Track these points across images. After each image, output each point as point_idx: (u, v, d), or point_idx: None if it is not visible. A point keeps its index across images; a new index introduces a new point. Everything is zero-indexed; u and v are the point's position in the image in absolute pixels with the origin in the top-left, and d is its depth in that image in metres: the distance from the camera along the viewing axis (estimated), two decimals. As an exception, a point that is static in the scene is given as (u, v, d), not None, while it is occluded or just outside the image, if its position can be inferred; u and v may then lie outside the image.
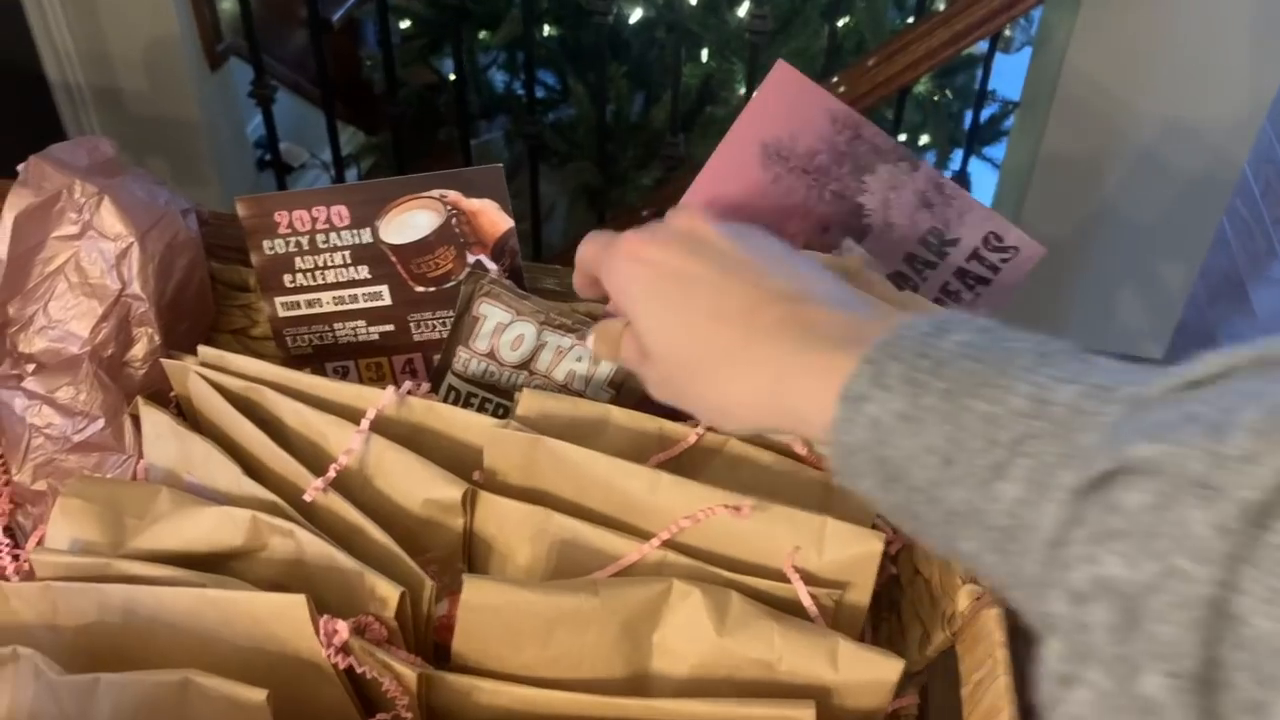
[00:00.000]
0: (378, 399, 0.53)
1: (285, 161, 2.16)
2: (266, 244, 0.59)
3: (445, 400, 0.58)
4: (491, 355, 0.57)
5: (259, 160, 2.32)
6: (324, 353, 0.63)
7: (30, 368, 0.55)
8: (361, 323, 0.62)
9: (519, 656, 0.46)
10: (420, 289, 0.61)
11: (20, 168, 0.58)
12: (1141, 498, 0.28)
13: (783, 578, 0.49)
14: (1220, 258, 2.47)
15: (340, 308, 0.61)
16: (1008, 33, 2.03)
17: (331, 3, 2.28)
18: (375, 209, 0.59)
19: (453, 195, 0.59)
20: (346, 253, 0.60)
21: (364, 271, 0.60)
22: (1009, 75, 2.05)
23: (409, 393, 0.53)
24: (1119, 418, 0.30)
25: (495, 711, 0.45)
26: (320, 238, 0.59)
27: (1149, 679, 0.27)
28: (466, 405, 0.58)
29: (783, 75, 0.56)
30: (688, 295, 0.42)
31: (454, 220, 0.59)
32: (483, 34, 2.20)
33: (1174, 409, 0.29)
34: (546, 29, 2.18)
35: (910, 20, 2.01)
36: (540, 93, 2.18)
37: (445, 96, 2.38)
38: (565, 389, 0.57)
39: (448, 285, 0.61)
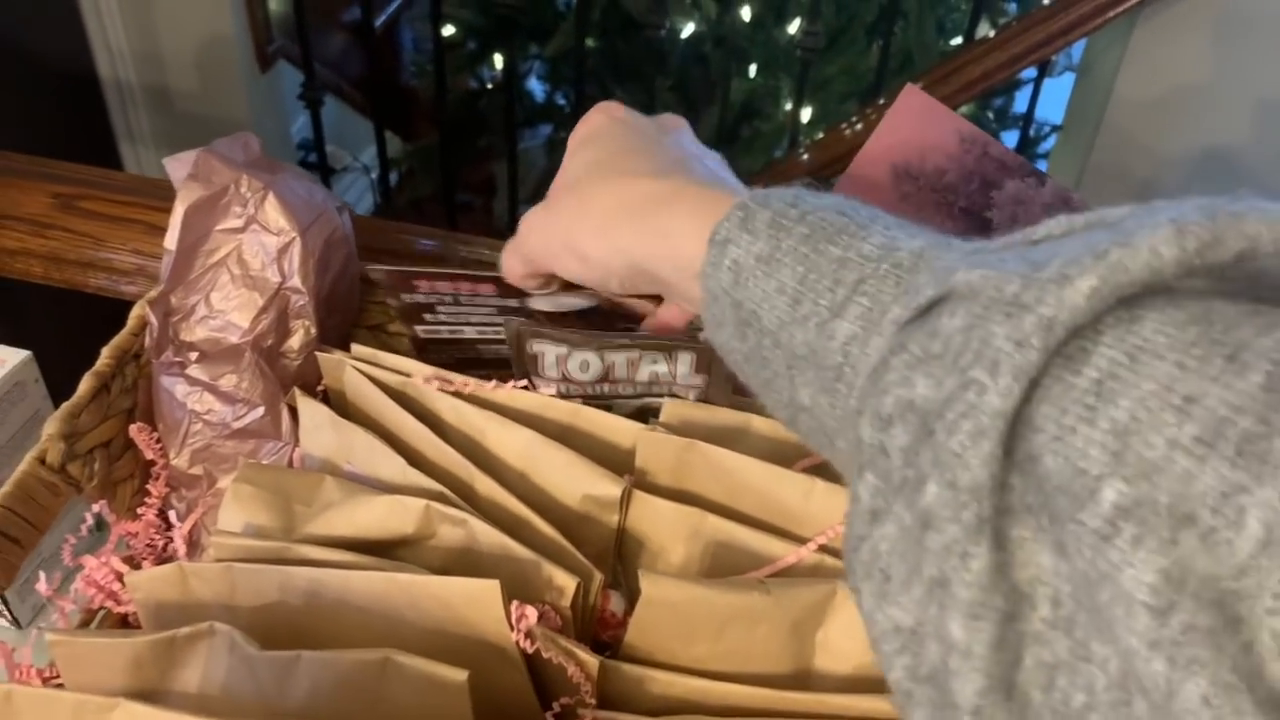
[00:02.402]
0: (527, 398, 0.55)
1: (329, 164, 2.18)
2: (406, 296, 0.56)
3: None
4: (565, 379, 0.56)
5: (301, 161, 2.34)
6: (466, 365, 0.60)
7: (193, 355, 0.56)
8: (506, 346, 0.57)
9: (690, 650, 0.47)
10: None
11: (174, 162, 0.60)
12: (956, 320, 0.28)
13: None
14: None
15: (484, 336, 0.59)
16: (1053, 58, 2.06)
17: (373, 7, 2.30)
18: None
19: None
20: (493, 311, 0.57)
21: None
22: (1046, 98, 2.08)
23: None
24: (956, 260, 0.30)
25: (668, 702, 0.47)
26: (465, 297, 0.57)
27: (929, 488, 0.27)
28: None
29: (912, 97, 0.57)
30: (622, 147, 0.47)
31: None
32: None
33: (1008, 252, 0.29)
34: (590, 40, 2.20)
35: (955, 42, 2.03)
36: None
37: (484, 103, 2.40)
38: (651, 387, 0.57)
39: None
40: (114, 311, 0.63)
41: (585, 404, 0.56)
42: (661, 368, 0.56)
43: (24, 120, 1.72)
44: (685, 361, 0.55)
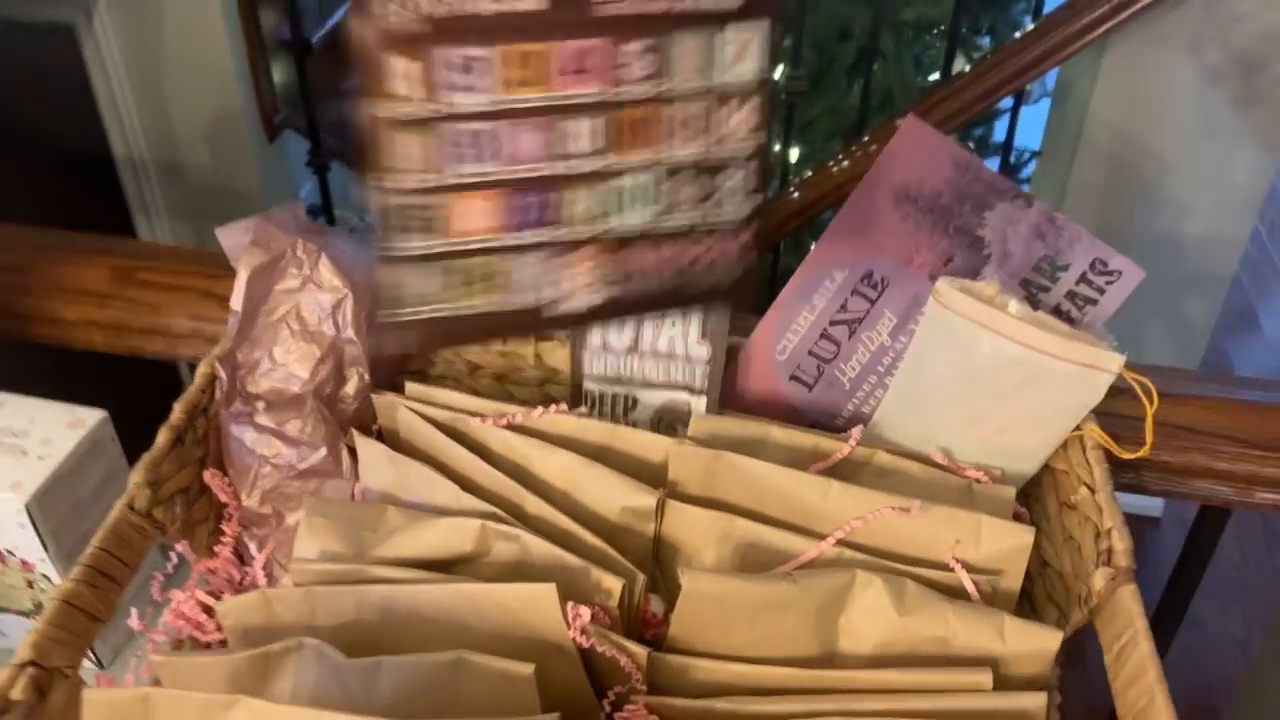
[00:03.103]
0: (568, 423, 0.61)
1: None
2: None
3: (587, 403, 0.67)
4: (605, 346, 0.65)
5: (310, 226, 2.40)
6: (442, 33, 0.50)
7: (260, 405, 0.62)
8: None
9: (728, 638, 0.53)
10: None
11: (225, 231, 0.66)
12: None
13: (944, 568, 0.56)
14: (1234, 294, 2.56)
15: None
16: (1028, 87, 2.13)
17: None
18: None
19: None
20: None
21: None
22: (1024, 126, 2.15)
23: (562, 412, 0.61)
24: None
25: (711, 686, 0.52)
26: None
27: None
28: (607, 403, 0.67)
29: (911, 126, 0.64)
30: None
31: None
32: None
33: None
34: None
35: (933, 77, 2.11)
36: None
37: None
38: (670, 356, 0.65)
39: None
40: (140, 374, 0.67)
41: (616, 423, 0.62)
42: (676, 330, 0.64)
43: (45, 198, 1.79)
44: (695, 324, 0.64)
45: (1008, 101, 1.84)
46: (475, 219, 0.55)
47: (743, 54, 0.55)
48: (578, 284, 0.59)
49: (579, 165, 0.55)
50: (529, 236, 0.57)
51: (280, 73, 2.25)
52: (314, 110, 1.94)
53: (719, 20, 0.53)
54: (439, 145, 0.53)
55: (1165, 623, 0.92)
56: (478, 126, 0.52)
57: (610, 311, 0.62)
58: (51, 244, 0.83)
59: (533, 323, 0.60)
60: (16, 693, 0.49)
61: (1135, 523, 0.56)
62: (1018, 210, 0.64)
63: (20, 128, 1.74)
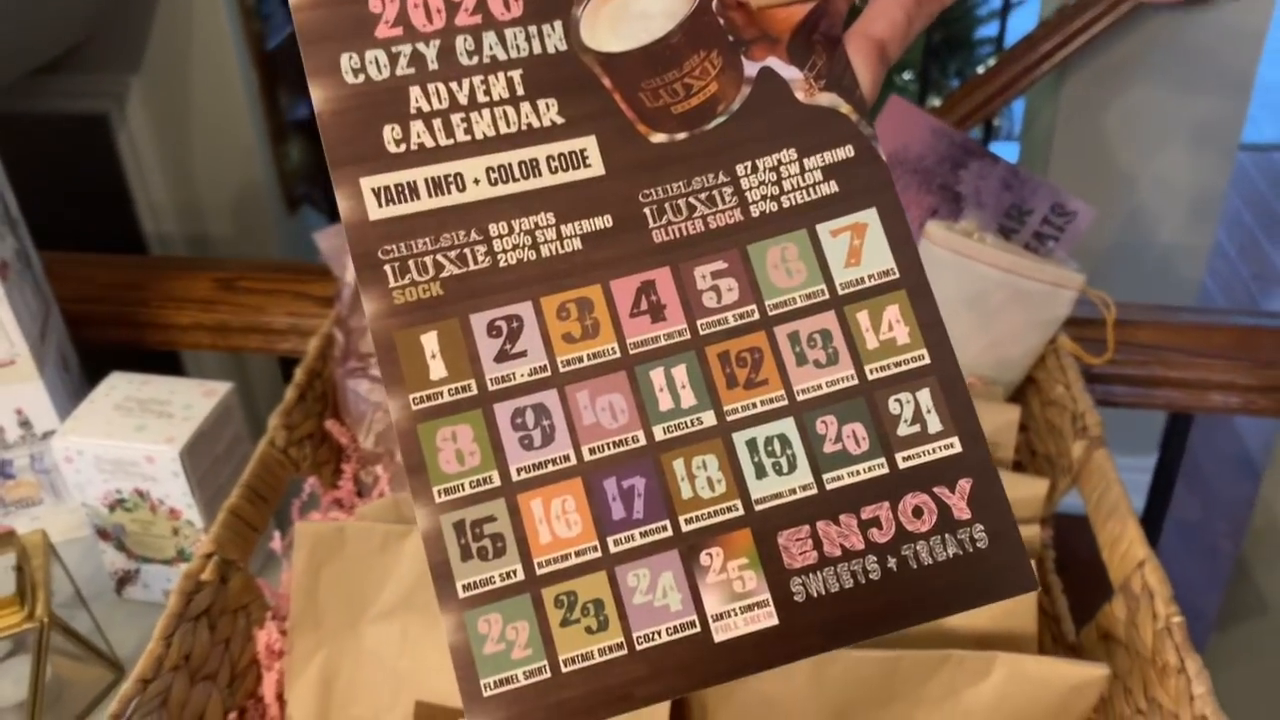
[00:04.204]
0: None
1: (358, 289, 2.38)
2: (350, 61, 0.35)
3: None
4: None
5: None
6: (465, 293, 0.34)
7: (371, 360, 0.74)
8: (547, 218, 0.35)
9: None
10: (660, 137, 0.36)
11: (321, 235, 0.79)
12: None
13: (949, 445, 0.68)
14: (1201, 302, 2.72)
15: (499, 191, 0.35)
16: (996, 122, 2.31)
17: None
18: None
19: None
20: (514, 74, 0.35)
21: (549, 111, 0.35)
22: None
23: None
24: None
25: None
26: (463, 41, 0.35)
27: None
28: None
29: (895, 103, 0.78)
30: None
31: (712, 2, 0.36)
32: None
33: None
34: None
35: (908, 116, 2.27)
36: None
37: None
38: None
39: (710, 126, 0.36)
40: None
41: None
42: None
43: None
44: None
45: (976, 133, 2.00)
46: (558, 523, 0.35)
47: (856, 250, 0.37)
48: (731, 597, 0.35)
49: (677, 425, 0.35)
50: (638, 535, 0.35)
51: (298, 150, 2.41)
52: (330, 185, 2.09)
53: (806, 220, 0.36)
54: (492, 432, 0.34)
55: (1150, 533, 1.03)
56: (536, 399, 0.35)
57: (820, 634, 0.35)
58: (160, 265, 0.96)
59: (688, 669, 0.34)
60: (206, 575, 0.61)
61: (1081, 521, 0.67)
62: (987, 167, 0.78)
63: (53, 206, 1.89)
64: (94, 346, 0.89)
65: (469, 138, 0.34)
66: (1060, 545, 0.69)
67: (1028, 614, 0.57)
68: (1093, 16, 1.71)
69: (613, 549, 0.34)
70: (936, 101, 2.03)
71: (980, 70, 1.91)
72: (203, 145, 2.18)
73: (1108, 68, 1.83)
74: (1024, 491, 0.64)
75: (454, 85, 0.34)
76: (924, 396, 0.35)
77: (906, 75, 2.24)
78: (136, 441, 0.73)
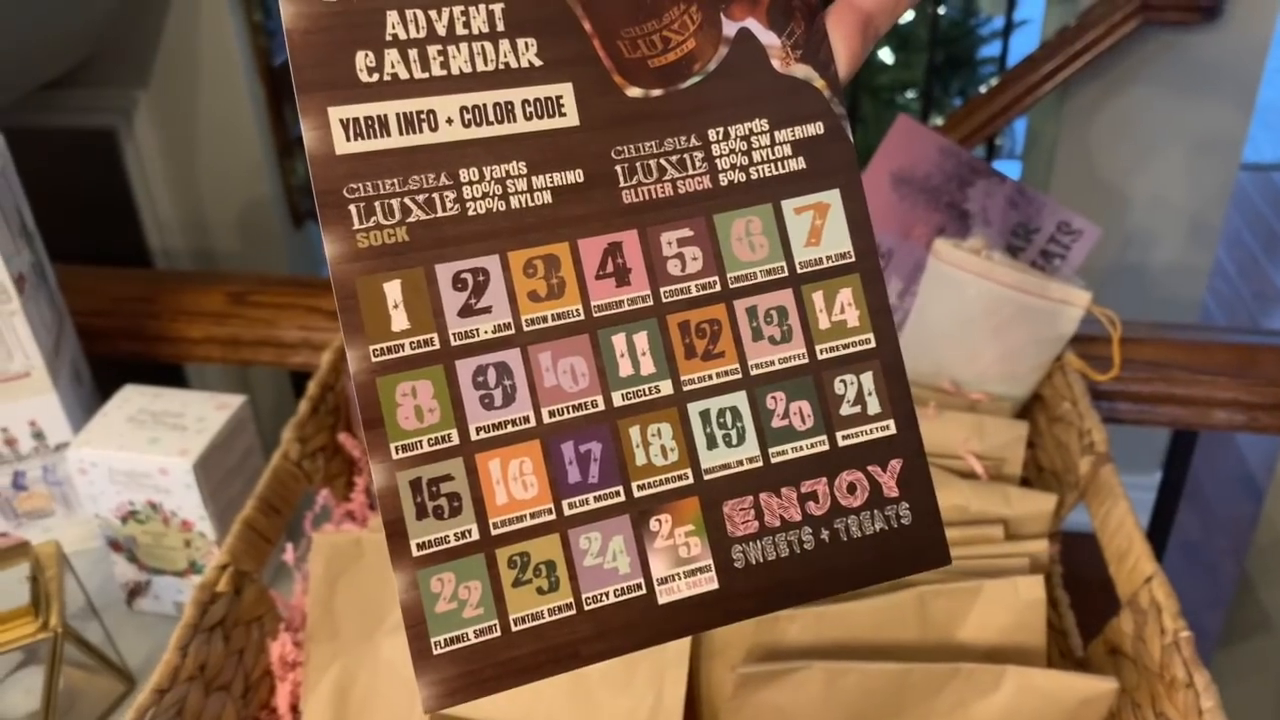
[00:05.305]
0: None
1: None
2: None
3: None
4: None
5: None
6: (431, 241, 0.34)
7: (384, 373, 0.75)
8: (518, 167, 0.35)
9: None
10: (636, 91, 0.36)
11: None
12: None
13: (957, 458, 0.69)
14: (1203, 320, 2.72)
15: (472, 134, 0.34)
16: (998, 141, 2.32)
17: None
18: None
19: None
20: (496, 7, 0.34)
21: (527, 51, 0.35)
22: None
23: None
24: None
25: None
26: None
27: None
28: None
29: (903, 123, 0.78)
30: None
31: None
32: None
33: None
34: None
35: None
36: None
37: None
38: None
39: (685, 85, 0.36)
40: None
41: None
42: None
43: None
44: None
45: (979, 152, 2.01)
46: (515, 485, 0.35)
47: (817, 229, 0.38)
48: (676, 561, 0.36)
49: (635, 393, 0.36)
50: (591, 500, 0.36)
51: (305, 165, 2.42)
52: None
53: (772, 194, 0.37)
54: (453, 389, 0.34)
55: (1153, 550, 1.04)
56: (498, 358, 0.35)
57: (755, 599, 0.36)
58: (171, 279, 0.97)
59: (633, 629, 0.35)
60: (221, 586, 0.61)
61: (1086, 540, 0.68)
62: (994, 185, 0.78)
63: (60, 220, 1.90)
64: (103, 360, 0.90)
65: (444, 72, 0.33)
66: (1067, 561, 0.70)
67: (1037, 628, 0.58)
68: (1094, 38, 1.72)
69: (567, 512, 0.34)
70: (939, 120, 2.05)
71: (983, 89, 1.93)
72: (209, 160, 2.19)
73: (1109, 88, 1.84)
74: (1032, 507, 0.65)
75: (433, 13, 0.33)
76: (867, 379, 0.36)
77: (910, 94, 2.25)
78: (150, 454, 0.73)
